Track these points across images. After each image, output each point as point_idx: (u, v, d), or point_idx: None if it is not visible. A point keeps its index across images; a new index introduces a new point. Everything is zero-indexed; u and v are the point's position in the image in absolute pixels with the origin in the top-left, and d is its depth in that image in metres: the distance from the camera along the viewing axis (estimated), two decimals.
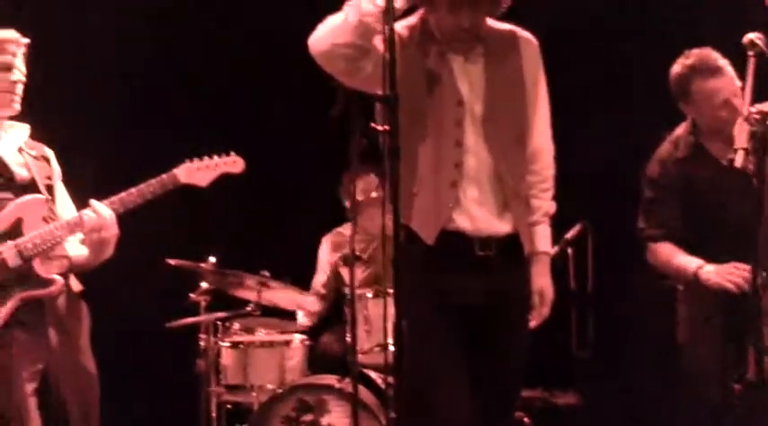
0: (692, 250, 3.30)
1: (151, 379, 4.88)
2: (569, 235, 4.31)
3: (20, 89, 2.93)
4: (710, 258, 3.24)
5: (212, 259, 4.25)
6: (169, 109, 5.06)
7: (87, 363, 2.96)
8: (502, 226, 2.72)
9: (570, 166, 3.04)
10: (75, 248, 2.97)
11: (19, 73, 2.93)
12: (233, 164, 3.12)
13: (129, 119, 5.05)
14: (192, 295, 4.31)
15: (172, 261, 4.20)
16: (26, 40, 2.98)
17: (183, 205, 4.65)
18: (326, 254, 4.74)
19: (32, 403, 2.78)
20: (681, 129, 3.41)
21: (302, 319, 4.74)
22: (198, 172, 3.05)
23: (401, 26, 2.70)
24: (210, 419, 4.23)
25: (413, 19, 2.77)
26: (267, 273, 4.26)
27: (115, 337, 4.95)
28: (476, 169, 2.69)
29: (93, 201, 2.89)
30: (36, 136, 3.07)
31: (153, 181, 2.97)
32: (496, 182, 2.71)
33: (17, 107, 2.94)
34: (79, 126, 4.67)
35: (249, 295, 4.40)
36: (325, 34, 2.59)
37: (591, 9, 4.70)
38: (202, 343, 4.31)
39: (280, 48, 5.02)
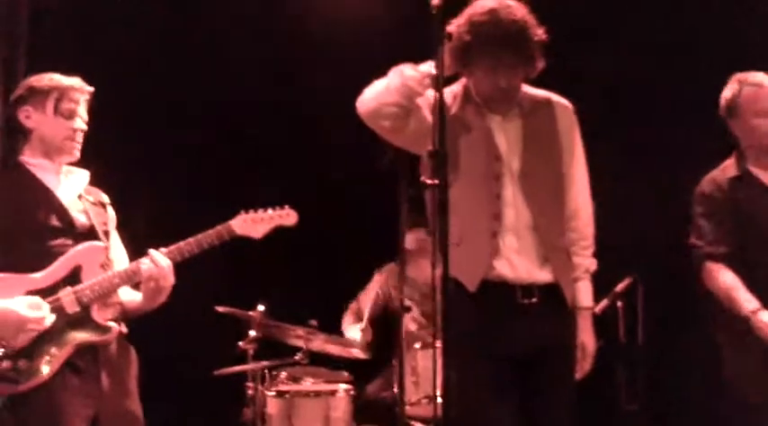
0: (741, 274, 3.37)
1: None
2: (619, 287, 4.29)
3: (80, 137, 3.02)
4: (755, 281, 3.34)
5: (261, 307, 4.29)
6: (225, 159, 5.14)
7: (134, 407, 3.00)
8: (542, 275, 2.78)
9: (622, 221, 3.05)
10: (128, 293, 3.04)
11: (81, 121, 3.02)
12: (287, 216, 3.17)
13: (186, 169, 5.14)
14: (240, 343, 4.34)
15: (220, 309, 4.25)
16: (90, 89, 3.06)
17: (234, 252, 4.77)
18: (373, 289, 4.76)
19: None
20: (729, 160, 3.56)
21: (357, 353, 4.72)
22: (253, 224, 3.10)
23: (446, 92, 2.78)
24: None
25: (456, 87, 2.91)
26: (315, 323, 4.28)
27: (164, 383, 5.01)
28: (515, 220, 2.78)
29: (151, 251, 2.95)
30: (94, 182, 3.15)
31: (210, 231, 3.03)
32: (535, 235, 2.78)
33: (77, 154, 3.03)
34: (135, 174, 4.77)
35: (297, 343, 4.43)
36: (372, 96, 2.79)
37: None
38: (249, 392, 4.33)
39: (333, 103, 5.14)
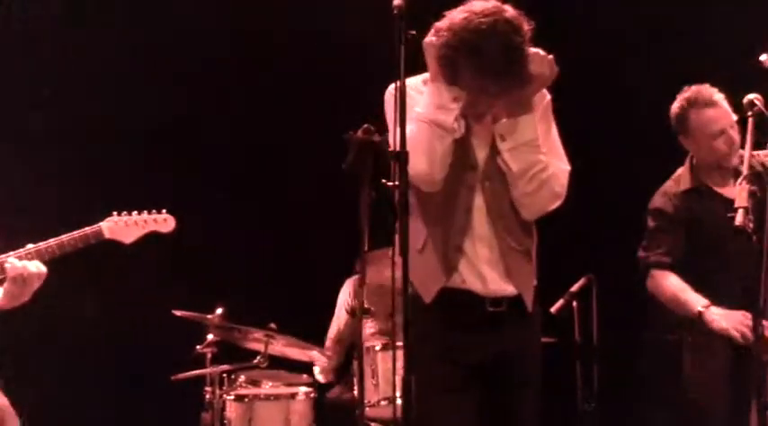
0: (693, 281, 3.43)
1: None
2: (574, 288, 4.34)
3: None
4: (711, 290, 3.38)
5: (219, 310, 4.26)
6: (172, 152, 5.09)
7: None
8: (509, 288, 2.73)
9: (576, 220, 3.08)
10: None
11: None
12: (163, 222, 3.02)
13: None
14: (198, 347, 4.31)
15: (178, 313, 4.21)
16: None
17: (191, 254, 4.75)
18: (345, 299, 4.74)
19: None
20: (682, 168, 3.59)
21: (318, 376, 4.72)
22: (126, 227, 2.94)
23: (412, 88, 2.73)
24: None
25: (420, 83, 2.78)
26: (274, 326, 4.26)
27: (121, 387, 4.97)
28: (483, 231, 2.72)
29: (11, 259, 2.76)
30: None
31: (76, 233, 2.86)
32: (500, 244, 2.72)
33: None
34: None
35: (256, 346, 4.40)
36: (430, 163, 2.63)
37: None
38: (208, 396, 4.29)
39: (294, 99, 5.13)
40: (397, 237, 2.44)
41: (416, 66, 2.65)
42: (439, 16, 2.65)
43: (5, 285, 2.78)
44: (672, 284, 3.46)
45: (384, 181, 2.46)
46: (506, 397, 2.75)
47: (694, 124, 3.43)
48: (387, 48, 2.47)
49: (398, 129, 2.38)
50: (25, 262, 2.77)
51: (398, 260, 2.79)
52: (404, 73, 2.41)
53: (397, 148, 2.36)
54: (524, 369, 2.77)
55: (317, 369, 4.71)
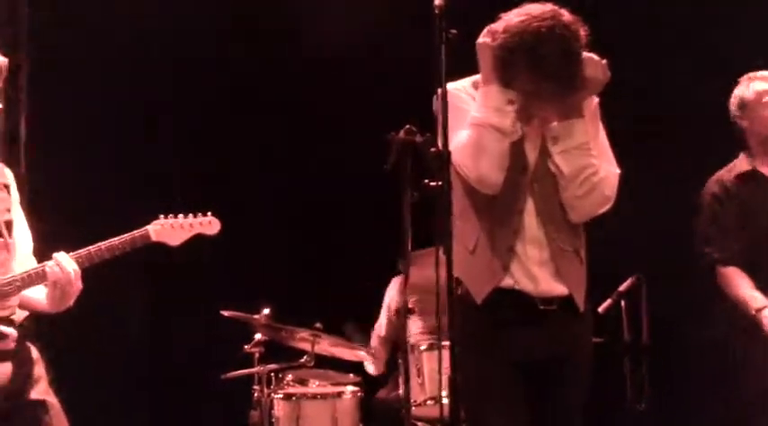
0: (747, 271, 3.44)
1: None
2: (622, 287, 4.29)
3: None
4: (760, 280, 3.41)
5: (266, 310, 4.29)
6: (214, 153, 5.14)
7: (43, 396, 2.80)
8: (560, 288, 2.73)
9: (624, 220, 3.04)
10: (35, 291, 2.83)
11: (1, 100, 2.81)
12: (209, 225, 3.00)
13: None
14: (246, 346, 4.35)
15: (226, 313, 4.25)
16: (3, 59, 2.81)
17: (239, 255, 4.79)
18: (391, 297, 4.75)
19: None
20: (735, 160, 3.62)
21: (369, 367, 4.73)
22: (172, 230, 2.93)
23: (462, 91, 2.73)
24: None
25: (469, 85, 2.79)
26: (320, 325, 4.28)
27: (170, 387, 5.04)
28: (534, 232, 2.72)
29: (57, 255, 2.77)
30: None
31: (124, 236, 2.85)
32: (551, 244, 2.72)
33: None
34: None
35: (303, 345, 4.43)
36: (490, 167, 2.64)
37: None
38: (256, 395, 4.33)
39: (336, 101, 5.15)
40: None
41: (457, 65, 2.64)
42: (484, 16, 2.65)
43: (48, 291, 2.79)
44: (736, 281, 3.47)
45: (427, 181, 2.45)
46: (556, 396, 2.74)
47: (752, 97, 3.51)
48: (428, 47, 2.47)
49: (442, 129, 2.36)
50: (64, 265, 2.77)
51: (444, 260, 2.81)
52: (445, 72, 2.40)
53: (441, 148, 2.34)
54: (575, 369, 2.77)
55: (367, 362, 4.71)
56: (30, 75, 4.59)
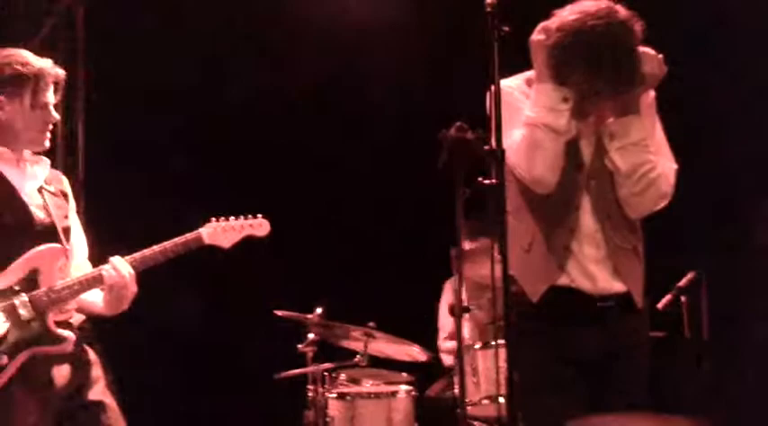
0: None
1: None
2: (682, 283, 4.22)
3: (51, 126, 2.88)
4: None
5: (319, 310, 4.30)
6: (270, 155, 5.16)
7: (101, 398, 2.85)
8: (617, 285, 2.71)
9: (683, 215, 2.99)
10: (92, 294, 2.89)
11: (54, 110, 2.85)
12: (258, 226, 3.03)
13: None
14: (299, 346, 4.35)
15: (279, 313, 4.26)
16: (63, 73, 2.88)
17: (292, 255, 4.81)
18: (447, 297, 4.78)
19: None
20: None
21: (444, 357, 4.74)
22: (223, 233, 2.96)
23: (515, 89, 2.71)
24: None
25: (522, 83, 2.77)
26: (373, 324, 4.27)
27: (224, 387, 5.08)
28: (590, 230, 2.70)
29: (113, 258, 2.83)
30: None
31: (177, 240, 2.90)
32: (608, 242, 2.70)
33: (47, 144, 2.90)
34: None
35: (356, 345, 4.43)
36: (545, 166, 2.63)
37: None
38: (310, 394, 4.34)
39: (387, 102, 5.14)
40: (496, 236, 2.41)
41: (507, 63, 2.61)
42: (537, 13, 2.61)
43: (104, 294, 2.85)
44: None
45: (481, 179, 2.42)
46: (615, 394, 2.71)
47: None
48: (481, 44, 2.45)
49: (495, 127, 2.34)
50: (120, 269, 2.82)
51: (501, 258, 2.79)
52: (498, 70, 2.37)
53: (495, 146, 2.31)
54: (633, 365, 2.75)
55: (415, 351, 4.70)
56: (87, 84, 4.67)
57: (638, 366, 2.76)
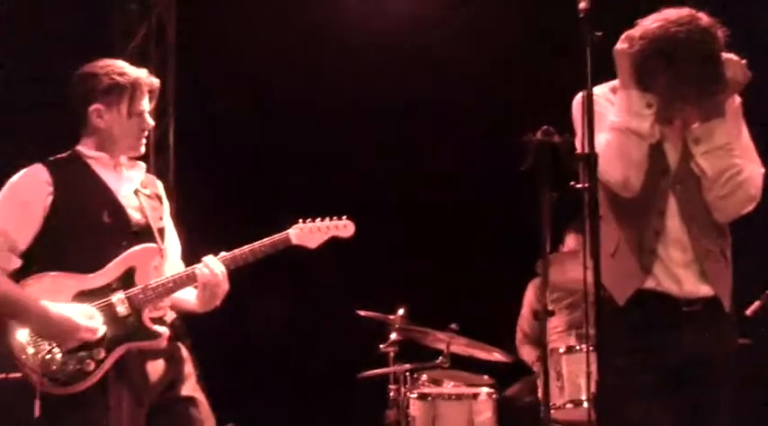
0: None
1: None
2: None
3: (146, 132, 2.99)
4: None
5: (401, 311, 4.33)
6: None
7: (191, 393, 2.92)
8: (704, 289, 2.69)
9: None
10: (185, 292, 2.97)
11: (150, 118, 2.96)
12: (344, 228, 3.09)
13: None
14: (381, 346, 4.40)
15: (362, 313, 4.31)
16: (157, 82, 2.98)
17: (375, 256, 4.85)
18: (529, 299, 4.78)
19: None
20: None
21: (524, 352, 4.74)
22: (310, 234, 3.03)
23: (601, 96, 2.71)
24: None
25: (607, 90, 2.78)
26: (455, 327, 4.29)
27: (307, 385, 5.15)
28: (676, 234, 2.69)
29: (206, 258, 2.92)
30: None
31: (266, 240, 2.97)
32: (695, 245, 2.69)
33: (143, 150, 3.01)
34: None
35: (439, 345, 4.45)
36: (629, 170, 2.63)
37: None
38: (392, 394, 4.37)
39: (473, 104, 5.15)
40: (587, 240, 2.40)
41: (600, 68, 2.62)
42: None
43: (198, 292, 2.94)
44: None
45: (572, 183, 2.43)
46: (702, 399, 2.68)
47: None
48: (570, 48, 2.46)
49: (587, 130, 2.34)
50: (212, 267, 2.91)
51: (589, 263, 2.78)
52: (591, 74, 2.38)
53: (587, 151, 2.32)
54: (721, 370, 2.71)
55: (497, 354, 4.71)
56: (177, 89, 4.79)
57: (726, 373, 2.72)
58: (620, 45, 2.65)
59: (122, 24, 5.25)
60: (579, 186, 2.38)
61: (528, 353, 4.80)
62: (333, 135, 5.21)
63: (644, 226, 2.68)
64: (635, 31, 2.62)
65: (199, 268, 2.90)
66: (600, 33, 2.43)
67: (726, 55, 2.60)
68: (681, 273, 2.67)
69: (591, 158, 2.29)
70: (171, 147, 5.05)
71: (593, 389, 2.44)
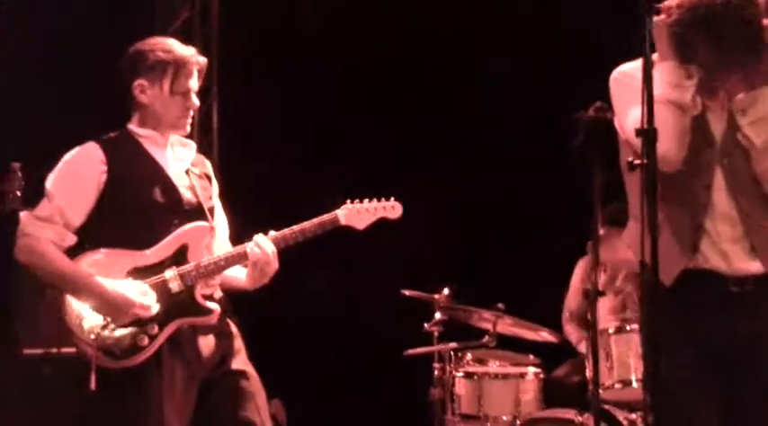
0: None
1: (387, 406, 5.02)
2: None
3: (192, 112, 3.00)
4: None
5: (446, 290, 4.32)
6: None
7: (244, 367, 2.97)
8: (755, 265, 2.62)
9: None
10: (235, 270, 3.02)
11: (195, 97, 2.97)
12: (391, 209, 3.12)
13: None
14: (426, 325, 4.40)
15: (407, 292, 4.31)
16: (204, 60, 3.00)
17: (420, 235, 4.85)
18: (578, 278, 4.75)
19: None
20: None
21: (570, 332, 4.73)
22: (358, 215, 3.06)
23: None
24: None
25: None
26: (502, 306, 4.27)
27: (352, 363, 5.18)
28: (724, 209, 2.63)
29: (257, 237, 2.95)
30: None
31: (315, 220, 3.01)
32: (744, 221, 2.62)
33: (188, 129, 3.02)
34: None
35: (485, 325, 4.44)
36: (670, 143, 2.56)
37: None
38: (437, 372, 4.38)
39: (519, 79, 5.11)
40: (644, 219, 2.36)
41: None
42: None
43: (248, 270, 2.98)
44: None
45: (630, 159, 2.39)
46: (752, 384, 2.62)
47: None
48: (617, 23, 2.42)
49: (646, 105, 2.31)
50: (263, 246, 2.95)
51: (630, 242, 2.75)
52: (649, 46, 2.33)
53: (645, 126, 2.28)
54: None
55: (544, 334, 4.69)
56: (220, 68, 4.82)
57: None
58: (658, 16, 2.57)
59: (166, 7, 5.30)
60: (638, 163, 2.34)
61: (573, 333, 4.77)
62: (381, 117, 5.19)
63: (690, 201, 2.62)
64: (671, 1, 2.55)
65: (250, 246, 2.94)
66: (660, 5, 2.38)
67: (766, 20, 2.52)
68: (729, 249, 2.61)
69: (650, 133, 2.25)
70: (215, 129, 5.09)
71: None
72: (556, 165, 3.84)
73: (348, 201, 3.08)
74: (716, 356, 2.60)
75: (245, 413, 2.89)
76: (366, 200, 3.10)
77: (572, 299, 4.80)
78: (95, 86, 3.58)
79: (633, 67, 2.68)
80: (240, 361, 2.97)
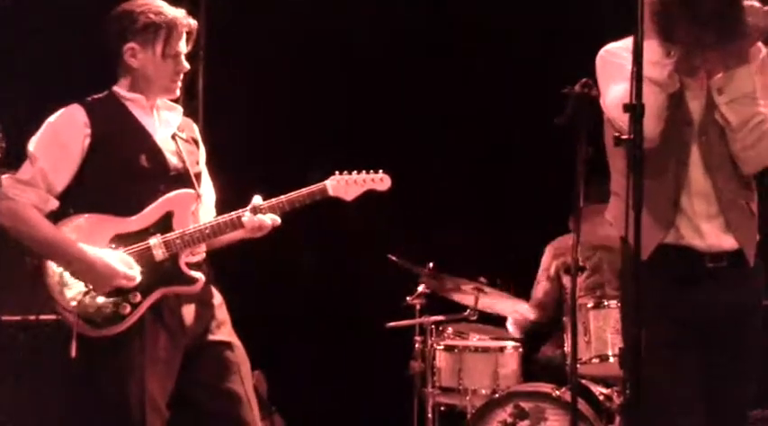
0: None
1: (367, 378, 5.05)
2: None
3: (181, 75, 2.96)
4: None
5: (431, 264, 4.34)
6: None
7: (229, 338, 2.97)
8: (729, 241, 2.68)
9: None
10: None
11: (185, 60, 2.93)
12: (380, 181, 3.11)
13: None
14: (408, 298, 4.42)
15: (393, 258, 4.29)
16: (194, 22, 2.95)
17: (404, 208, 4.86)
18: (547, 262, 4.73)
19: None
20: None
21: (511, 328, 4.75)
22: (346, 186, 3.06)
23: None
24: (425, 419, 4.31)
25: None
26: (484, 279, 4.30)
27: (334, 333, 5.20)
28: (699, 186, 2.68)
29: (255, 200, 2.96)
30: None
31: (303, 190, 3.00)
32: (719, 197, 2.68)
33: (178, 93, 2.98)
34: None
35: (466, 299, 4.46)
36: (647, 119, 2.48)
37: None
38: (417, 345, 4.40)
39: (509, 53, 5.09)
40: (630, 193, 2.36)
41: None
42: None
43: (241, 233, 2.97)
44: None
45: (617, 135, 2.40)
46: (727, 359, 2.68)
47: None
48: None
49: (634, 81, 2.32)
50: (260, 215, 2.94)
51: (611, 219, 2.77)
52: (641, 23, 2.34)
53: (633, 101, 2.29)
54: (746, 326, 2.71)
55: (509, 321, 4.71)
56: (207, 32, 4.77)
57: (752, 330, 2.71)
58: None
59: None
60: (624, 138, 2.35)
61: (515, 332, 4.72)
62: (366, 86, 5.17)
63: (666, 178, 2.66)
64: None
65: (246, 213, 2.92)
66: None
67: (747, 2, 2.54)
68: (704, 227, 2.66)
69: (637, 109, 2.25)
70: (200, 94, 5.04)
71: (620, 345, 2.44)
72: (544, 139, 3.85)
73: (336, 172, 3.07)
74: (692, 331, 2.64)
75: (229, 384, 2.89)
76: (355, 172, 3.09)
77: (540, 287, 4.73)
78: (82, 46, 3.54)
79: (619, 46, 2.73)
80: (225, 332, 2.97)
